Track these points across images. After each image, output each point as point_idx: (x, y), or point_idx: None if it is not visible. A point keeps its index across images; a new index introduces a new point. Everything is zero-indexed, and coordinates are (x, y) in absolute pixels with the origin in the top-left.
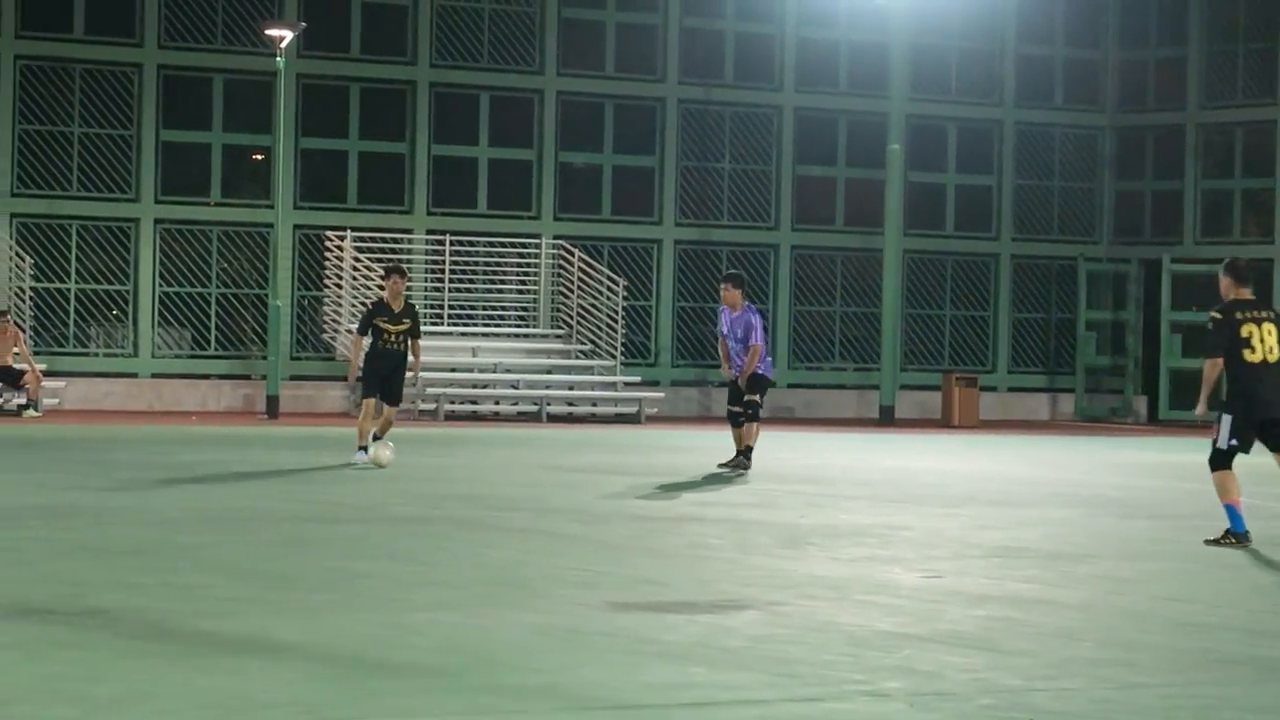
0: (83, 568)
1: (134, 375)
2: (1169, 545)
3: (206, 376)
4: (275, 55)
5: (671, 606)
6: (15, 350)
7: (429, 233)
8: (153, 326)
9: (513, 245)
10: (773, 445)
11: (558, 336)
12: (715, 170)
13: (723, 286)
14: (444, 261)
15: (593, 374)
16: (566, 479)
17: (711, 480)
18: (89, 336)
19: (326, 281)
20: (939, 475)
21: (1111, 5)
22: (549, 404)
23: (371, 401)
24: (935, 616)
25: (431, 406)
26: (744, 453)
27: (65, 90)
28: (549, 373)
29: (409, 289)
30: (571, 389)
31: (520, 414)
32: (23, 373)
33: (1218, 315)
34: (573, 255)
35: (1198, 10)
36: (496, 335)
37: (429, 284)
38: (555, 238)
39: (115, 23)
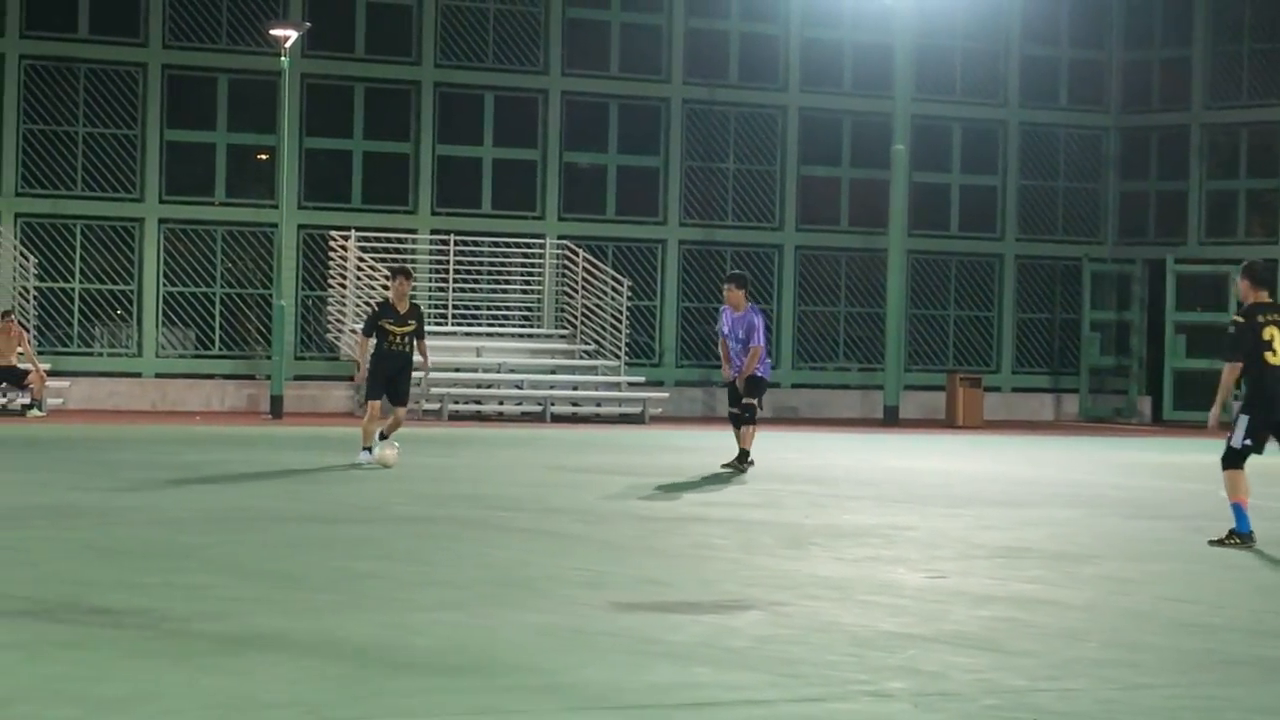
0: (86, 567)
1: (138, 375)
2: (1173, 546)
3: (211, 376)
4: (280, 55)
5: (675, 607)
6: (19, 350)
7: (433, 233)
8: (157, 326)
9: (517, 245)
10: (777, 445)
11: (562, 337)
12: (720, 170)
13: (726, 287)
14: (448, 261)
15: (597, 374)
16: (570, 479)
17: (715, 480)
18: (93, 336)
19: (331, 281)
20: (943, 475)
21: (1116, 5)
22: (553, 404)
23: (376, 403)
24: (939, 617)
25: (436, 406)
26: (741, 455)
27: (70, 90)
28: (553, 373)
29: (413, 289)
30: (576, 389)
31: (524, 414)
32: (27, 372)
33: (1239, 319)
34: (577, 255)
35: (1203, 10)
36: (501, 335)
37: (433, 284)
38: (560, 238)
39: (120, 22)
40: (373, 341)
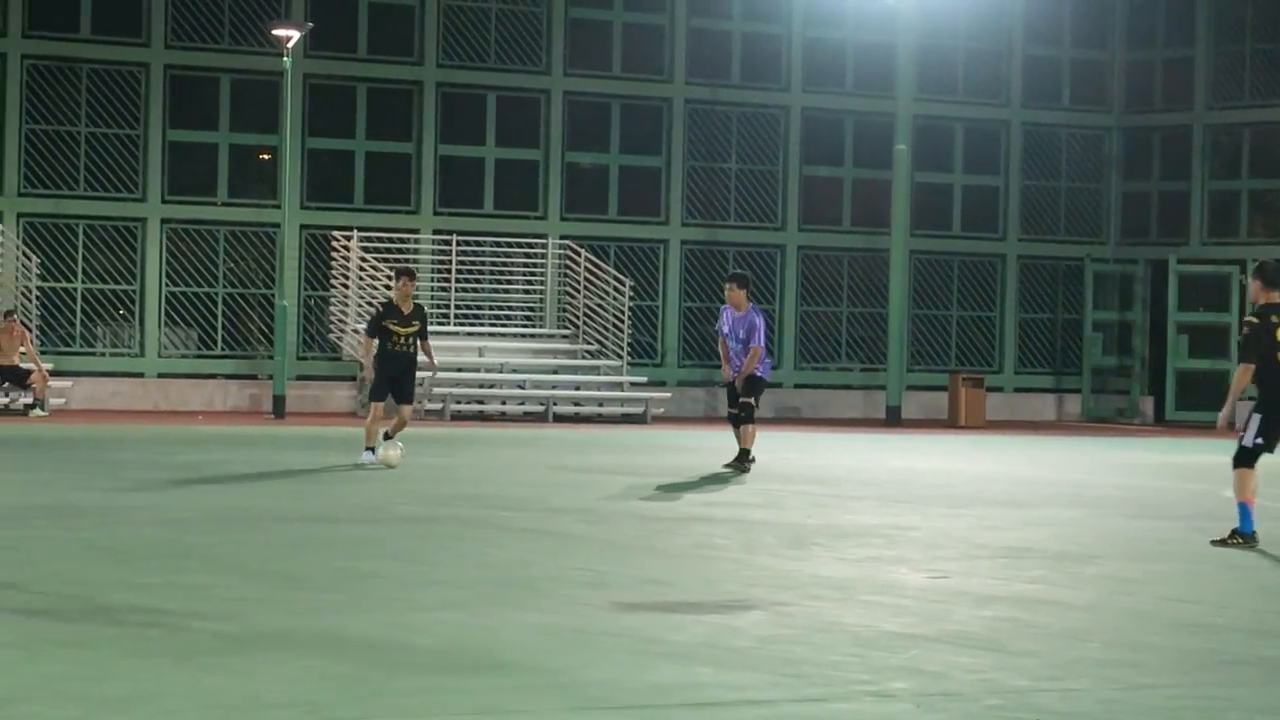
0: (88, 567)
1: (140, 375)
2: (1175, 546)
3: (213, 376)
4: (282, 55)
5: (677, 607)
6: (22, 350)
7: (435, 233)
8: (159, 326)
9: (519, 245)
10: (779, 445)
11: (564, 336)
12: (722, 170)
13: (728, 286)
14: (450, 261)
15: (599, 374)
16: (572, 479)
17: (717, 480)
18: (95, 336)
19: (333, 281)
20: (945, 475)
21: (1119, 6)
22: (555, 404)
23: (379, 405)
24: (941, 617)
25: (438, 406)
26: (741, 456)
27: (72, 90)
28: (555, 373)
29: (416, 289)
30: (578, 389)
31: (526, 414)
32: (29, 372)
33: (1253, 320)
34: (579, 255)
35: (1205, 11)
36: (503, 335)
37: (435, 284)
38: (562, 238)
39: (122, 23)
40: (376, 342)
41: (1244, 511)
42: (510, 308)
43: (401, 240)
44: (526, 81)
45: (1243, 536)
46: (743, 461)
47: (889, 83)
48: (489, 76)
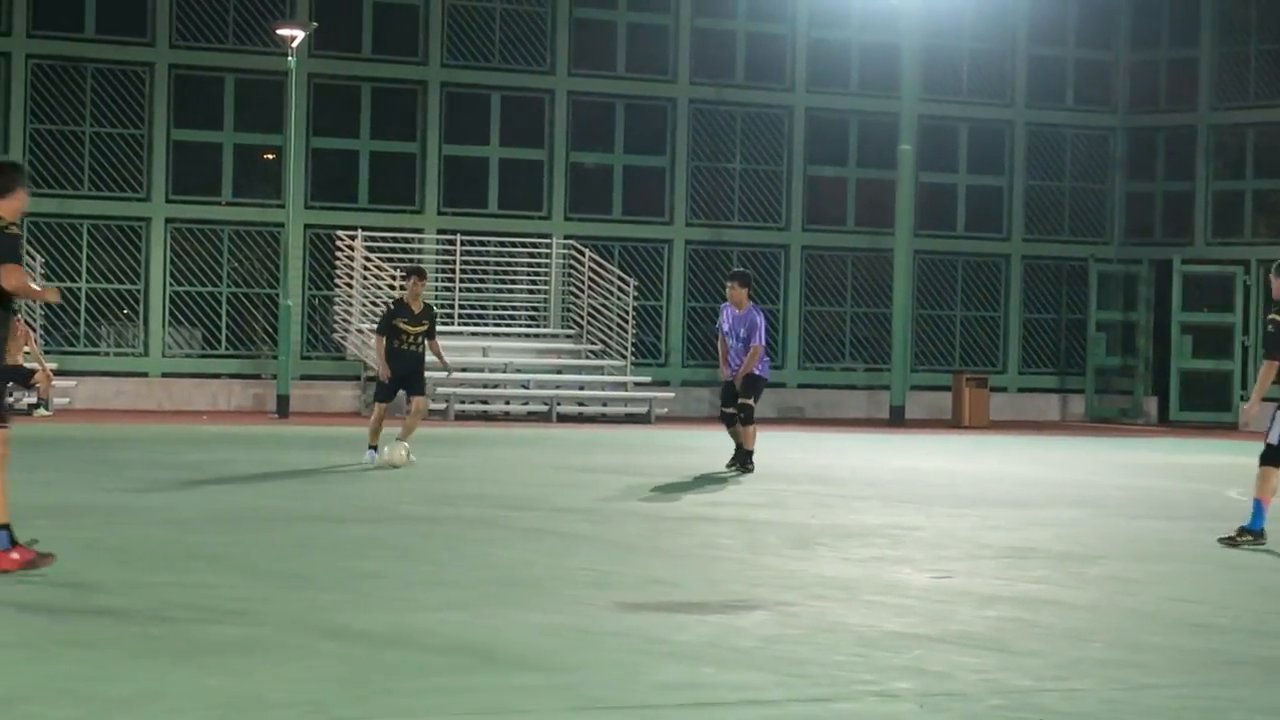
0: (92, 567)
1: (144, 375)
2: (1178, 546)
3: (217, 376)
4: (286, 55)
5: (681, 607)
6: (26, 349)
7: (440, 232)
8: (163, 326)
9: (523, 245)
10: (783, 445)
11: (568, 336)
12: (726, 170)
13: (729, 284)
14: (455, 261)
15: (603, 374)
16: (576, 479)
17: (721, 480)
18: (99, 336)
19: (337, 281)
20: (949, 476)
21: (1123, 6)
22: (559, 404)
23: (383, 405)
24: (945, 617)
25: (441, 406)
26: (743, 457)
27: (76, 90)
28: (559, 373)
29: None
30: (582, 389)
31: (530, 414)
32: (33, 372)
33: (1276, 318)
34: (583, 255)
35: (1209, 11)
36: (507, 335)
37: (440, 284)
38: (566, 238)
39: (126, 22)
40: (384, 340)
41: (1257, 509)
42: (514, 307)
43: (406, 240)
44: (531, 81)
45: (1251, 534)
46: (745, 462)
47: (893, 83)
48: (493, 76)
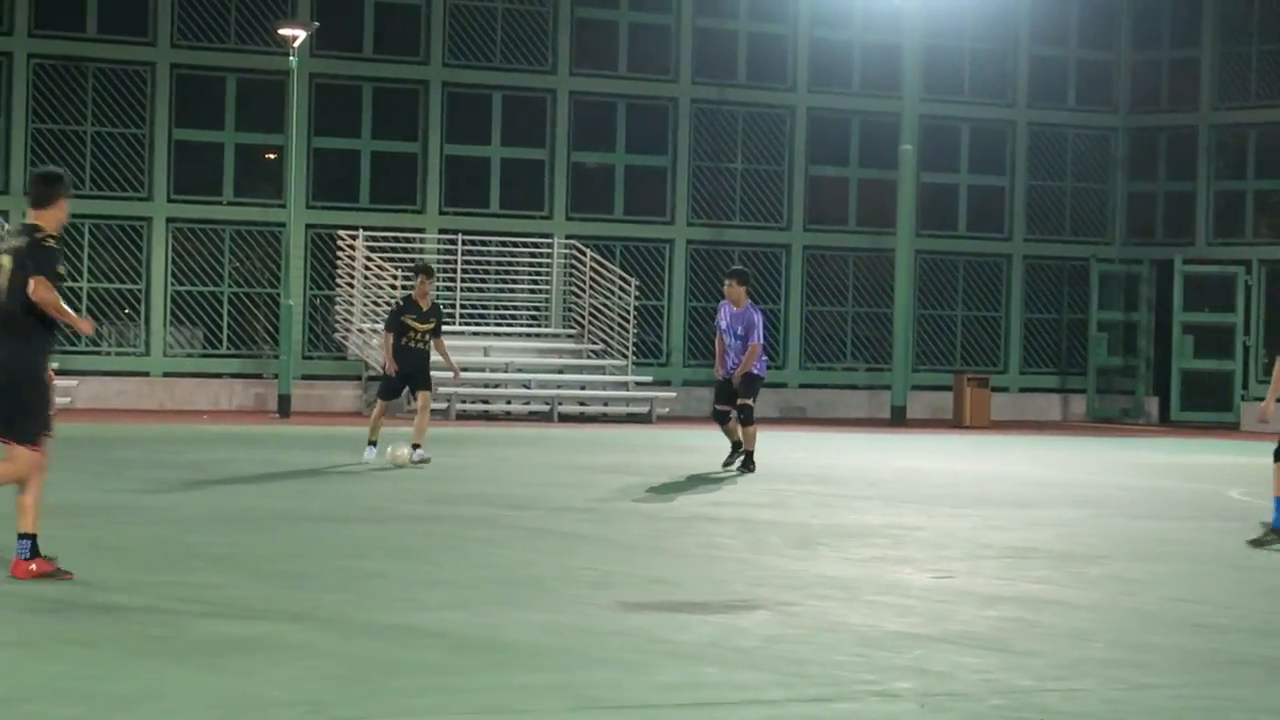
0: (93, 566)
1: (146, 374)
2: (1180, 546)
3: (218, 375)
4: (288, 55)
5: (683, 606)
6: None
7: (441, 232)
8: (165, 325)
9: (525, 245)
10: (784, 445)
11: (569, 336)
12: (728, 170)
13: (727, 282)
14: (456, 261)
15: (604, 374)
16: (577, 479)
17: (722, 480)
18: (101, 335)
19: (339, 281)
20: (950, 476)
21: (1125, 6)
22: (560, 404)
23: (385, 402)
24: (946, 617)
25: (443, 406)
26: (744, 457)
27: (78, 89)
28: (560, 372)
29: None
30: (583, 389)
31: (531, 414)
32: None
33: None
34: (585, 255)
35: (1211, 11)
36: (508, 335)
37: (441, 283)
38: (567, 237)
39: (128, 22)
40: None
41: (1278, 506)
42: (515, 307)
43: (407, 240)
44: (532, 81)
45: (1276, 532)
46: (747, 462)
47: (895, 83)
48: (495, 76)
